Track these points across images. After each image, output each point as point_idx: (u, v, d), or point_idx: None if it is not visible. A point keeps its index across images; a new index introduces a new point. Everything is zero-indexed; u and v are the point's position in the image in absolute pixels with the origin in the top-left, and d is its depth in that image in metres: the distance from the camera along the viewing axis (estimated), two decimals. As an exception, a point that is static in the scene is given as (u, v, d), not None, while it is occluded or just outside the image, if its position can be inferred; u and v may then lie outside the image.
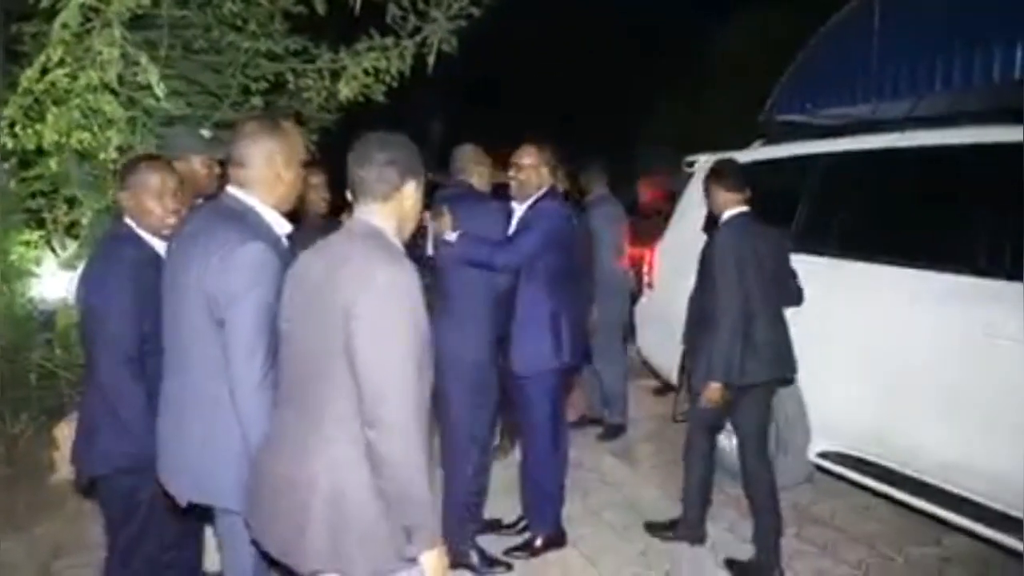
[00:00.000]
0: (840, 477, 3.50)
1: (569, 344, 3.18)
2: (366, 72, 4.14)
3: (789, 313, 3.19)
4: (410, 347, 1.57)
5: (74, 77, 2.62)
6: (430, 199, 3.64)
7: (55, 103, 2.68)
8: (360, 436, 1.54)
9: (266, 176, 1.92)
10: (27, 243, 4.53)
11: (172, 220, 2.26)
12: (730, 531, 3.48)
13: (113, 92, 2.74)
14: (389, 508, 1.55)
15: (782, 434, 3.64)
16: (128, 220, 2.31)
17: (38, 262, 4.62)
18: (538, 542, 3.29)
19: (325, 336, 1.59)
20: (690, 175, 4.63)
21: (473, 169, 3.24)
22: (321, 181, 3.53)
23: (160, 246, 2.25)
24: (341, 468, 1.57)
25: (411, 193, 1.76)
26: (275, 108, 4.50)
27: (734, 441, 3.94)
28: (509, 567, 3.17)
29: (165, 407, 2.00)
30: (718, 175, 3.18)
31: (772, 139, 4.34)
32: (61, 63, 2.57)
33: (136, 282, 2.19)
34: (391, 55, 4.04)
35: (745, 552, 3.24)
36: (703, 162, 4.55)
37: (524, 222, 3.16)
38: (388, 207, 1.73)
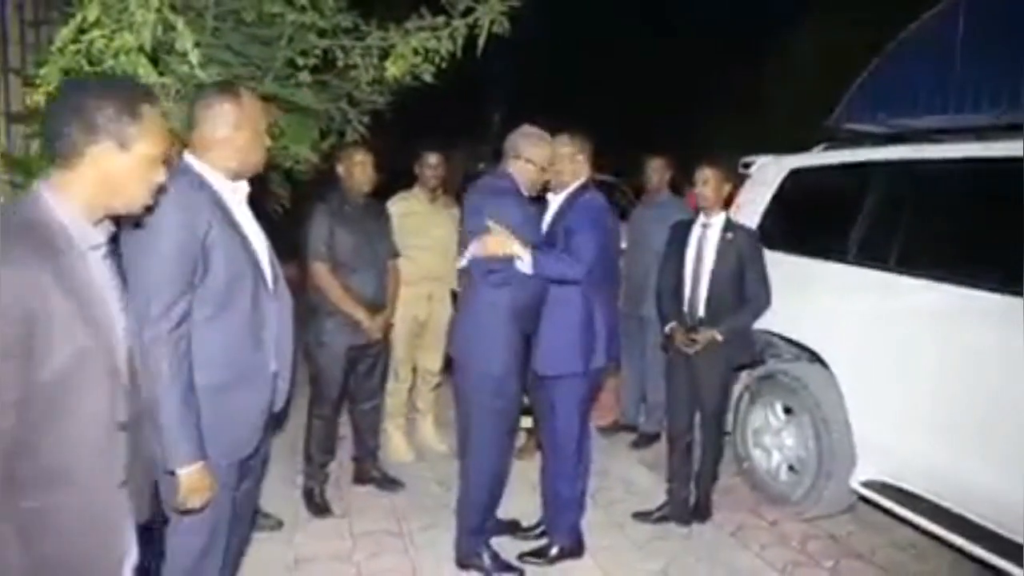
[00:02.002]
0: (883, 509, 3.26)
1: (603, 347, 3.03)
2: (415, 52, 4.03)
3: (844, 331, 2.99)
4: None
5: (110, 39, 2.59)
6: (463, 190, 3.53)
7: (90, 64, 2.65)
8: None
9: (215, 138, 1.94)
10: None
11: None
12: (760, 556, 3.28)
13: (149, 57, 2.69)
14: None
15: (825, 459, 3.42)
16: None
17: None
18: (553, 550, 3.14)
19: None
20: (746, 176, 4.40)
21: (511, 160, 2.93)
22: (365, 160, 3.50)
23: None
24: None
25: (106, 160, 1.38)
26: (326, 87, 4.45)
27: (773, 461, 3.77)
28: (521, 573, 3.04)
29: None
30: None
31: (837, 143, 4.08)
32: (97, 23, 2.54)
33: None
34: (441, 35, 3.92)
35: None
36: (761, 164, 4.33)
37: (563, 217, 3.01)
38: (74, 176, 1.37)
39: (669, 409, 3.66)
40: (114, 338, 1.41)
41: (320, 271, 3.37)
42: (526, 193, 2.94)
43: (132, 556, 1.50)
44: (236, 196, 2.00)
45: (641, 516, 3.58)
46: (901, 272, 3.21)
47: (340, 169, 3.52)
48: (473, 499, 3.00)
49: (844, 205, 3.65)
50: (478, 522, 3.02)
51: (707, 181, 3.39)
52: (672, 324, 3.51)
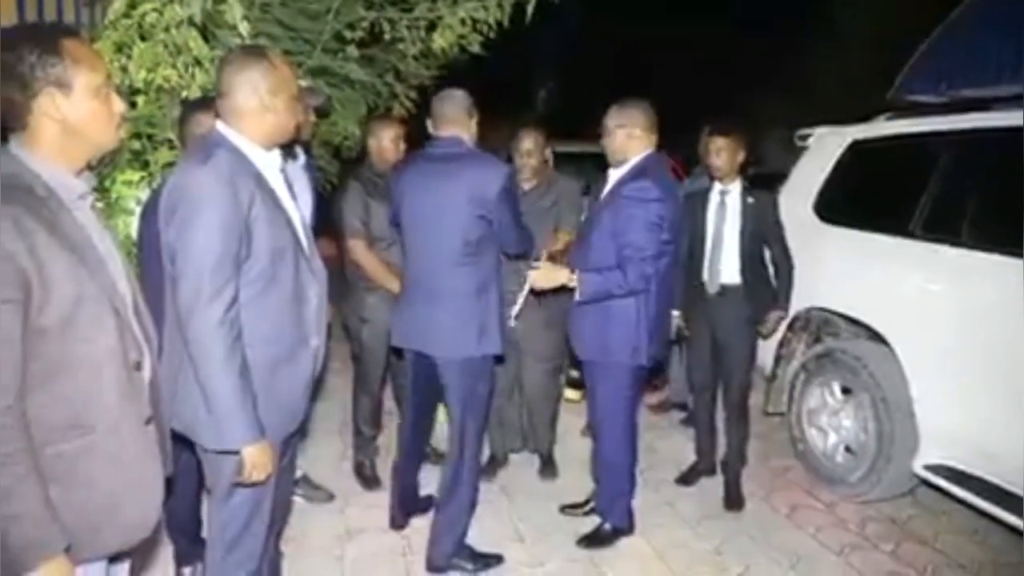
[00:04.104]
0: (947, 494, 3.14)
1: (654, 344, 2.87)
2: (463, 22, 3.99)
3: (908, 308, 2.84)
4: None
5: (161, 12, 2.60)
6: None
7: (142, 38, 2.66)
8: None
9: (250, 106, 1.83)
10: (129, 182, 4.65)
11: None
12: (816, 538, 3.20)
13: (199, 29, 2.70)
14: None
15: (885, 441, 3.30)
16: None
17: (139, 202, 4.75)
18: (606, 528, 3.11)
19: None
20: (802, 149, 4.24)
21: (467, 122, 2.74)
22: (399, 134, 3.43)
23: None
24: None
25: (54, 108, 1.33)
26: (373, 61, 4.42)
27: (829, 442, 3.67)
28: (499, 559, 2.95)
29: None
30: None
31: (898, 114, 3.89)
32: (148, -5, 2.55)
33: None
34: (489, 5, 3.87)
35: (831, 563, 2.97)
36: (819, 135, 4.16)
37: (614, 198, 2.82)
38: (34, 134, 1.34)
39: (694, 373, 3.69)
40: (112, 282, 1.40)
41: (357, 247, 3.33)
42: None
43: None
44: (272, 166, 1.92)
45: (682, 481, 3.69)
46: (972, 247, 3.05)
47: (372, 143, 3.45)
48: (466, 502, 2.83)
49: (910, 177, 3.48)
50: (467, 526, 2.87)
51: (721, 150, 3.35)
52: (677, 315, 3.51)
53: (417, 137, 3.27)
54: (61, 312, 1.28)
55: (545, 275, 2.75)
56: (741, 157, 3.41)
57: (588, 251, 2.87)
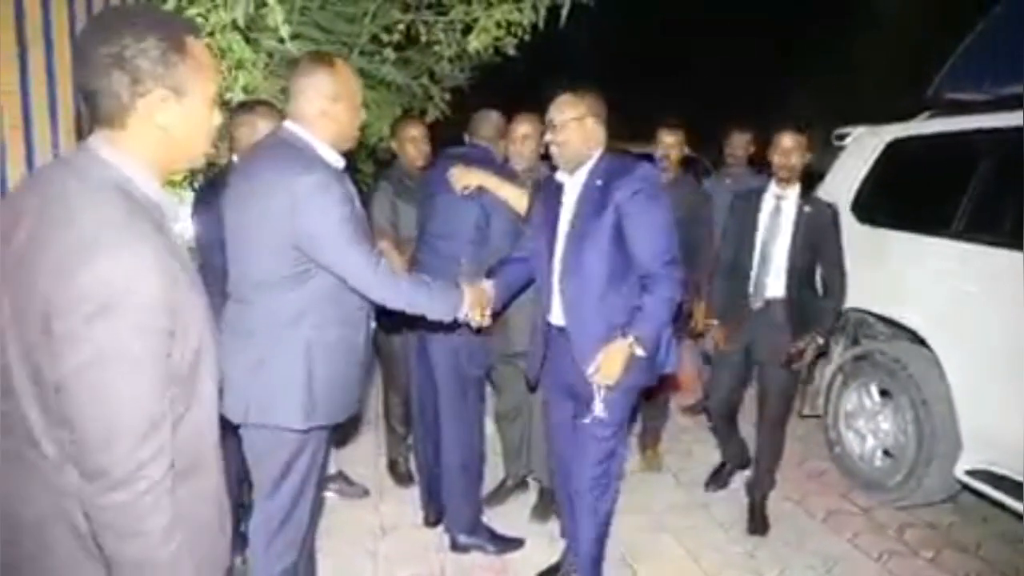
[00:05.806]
0: (990, 500, 3.07)
1: (660, 359, 2.46)
2: (498, 25, 4.03)
3: (949, 309, 2.79)
4: (143, 376, 1.04)
5: (206, 17, 2.67)
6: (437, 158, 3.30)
7: (187, 42, 2.74)
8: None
9: (313, 110, 1.92)
10: (172, 183, 4.77)
11: None
12: (853, 543, 3.15)
13: (242, 33, 2.77)
14: None
15: (925, 444, 3.24)
16: (236, 158, 2.43)
17: (180, 201, 4.87)
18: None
19: (20, 339, 1.06)
20: (839, 149, 4.18)
21: (496, 139, 3.01)
22: (419, 134, 3.44)
23: None
24: None
25: (162, 112, 1.12)
26: (409, 63, 4.48)
27: (867, 445, 3.61)
28: (520, 542, 3.02)
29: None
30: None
31: (939, 113, 3.82)
32: (194, 1, 2.62)
33: None
34: (524, 7, 3.90)
35: (869, 570, 2.93)
36: (857, 135, 4.11)
37: (612, 204, 2.31)
38: (126, 135, 1.12)
39: (714, 391, 3.46)
40: (206, 305, 1.23)
41: (385, 248, 3.35)
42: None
43: None
44: (340, 164, 2.00)
45: (713, 484, 3.61)
46: (1015, 248, 2.99)
47: (395, 144, 3.48)
48: (470, 469, 2.96)
49: (950, 176, 3.42)
50: (478, 494, 3.05)
51: (793, 150, 3.06)
52: (715, 323, 3.28)
53: (451, 139, 3.31)
54: (191, 359, 1.14)
55: (611, 365, 2.31)
56: (806, 159, 3.11)
57: (584, 279, 2.39)
